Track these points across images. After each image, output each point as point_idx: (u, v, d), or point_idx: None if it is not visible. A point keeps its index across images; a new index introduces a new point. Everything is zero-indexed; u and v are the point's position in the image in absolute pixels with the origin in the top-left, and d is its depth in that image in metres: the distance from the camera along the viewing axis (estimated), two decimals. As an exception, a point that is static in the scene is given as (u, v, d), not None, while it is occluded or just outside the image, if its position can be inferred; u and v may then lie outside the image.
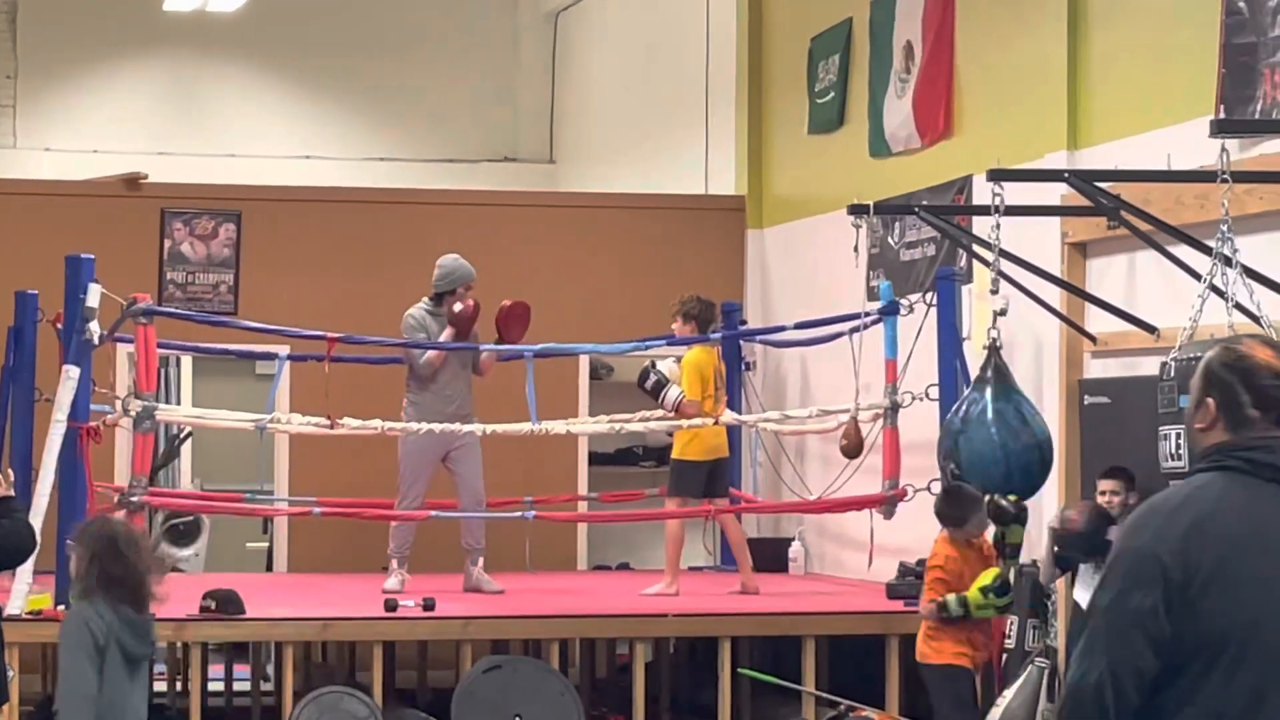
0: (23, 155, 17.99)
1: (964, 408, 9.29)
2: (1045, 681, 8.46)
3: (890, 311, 11.57)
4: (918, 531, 10.44)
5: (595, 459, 14.68)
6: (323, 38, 18.97)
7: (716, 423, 11.68)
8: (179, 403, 16.26)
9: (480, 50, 19.28)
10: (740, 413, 13.06)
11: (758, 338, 13.74)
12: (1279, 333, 7.81)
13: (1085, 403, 10.11)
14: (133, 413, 10.69)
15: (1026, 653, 8.74)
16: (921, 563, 9.98)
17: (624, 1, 17.76)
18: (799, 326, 12.63)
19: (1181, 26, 9.64)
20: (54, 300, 10.88)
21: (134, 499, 10.64)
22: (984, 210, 9.06)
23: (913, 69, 12.27)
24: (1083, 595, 8.89)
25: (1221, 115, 8.94)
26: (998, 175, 8.72)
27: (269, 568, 14.71)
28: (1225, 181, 7.47)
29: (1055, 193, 9.95)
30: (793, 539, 13.55)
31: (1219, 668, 3.81)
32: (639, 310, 13.76)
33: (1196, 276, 8.17)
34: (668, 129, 16.28)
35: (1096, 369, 10.18)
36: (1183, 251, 8.70)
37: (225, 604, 10.28)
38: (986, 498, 9.01)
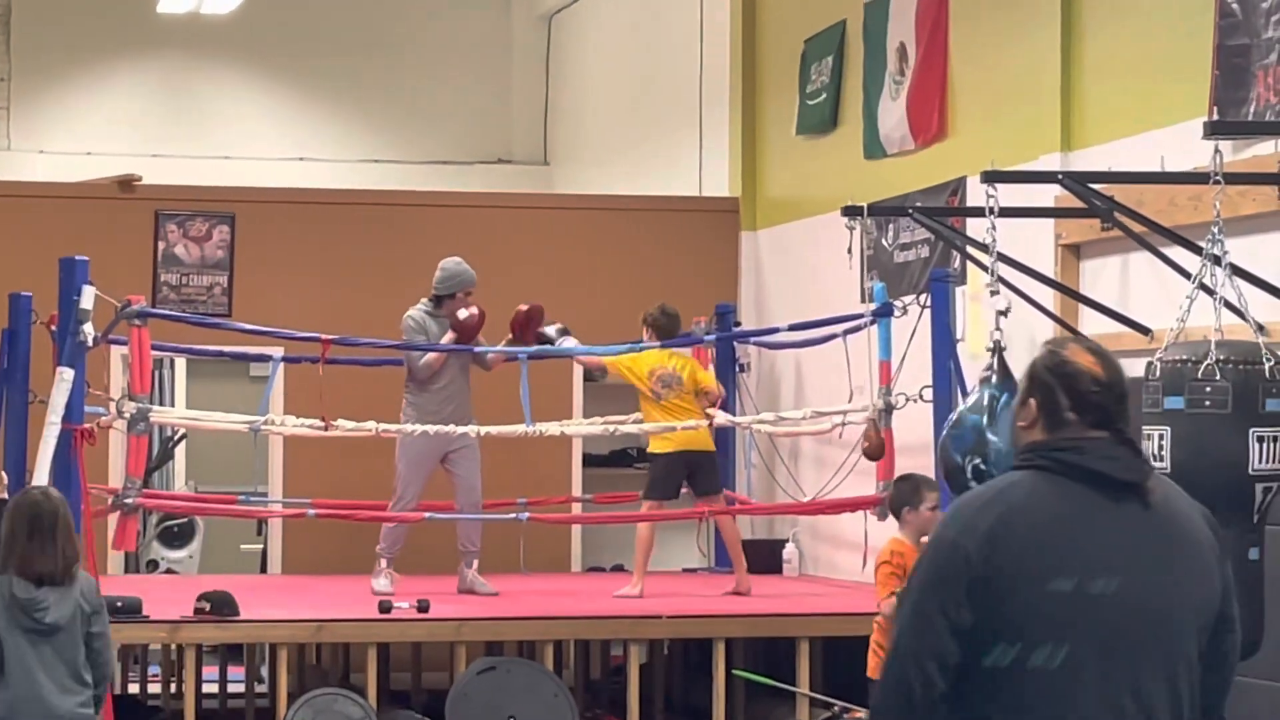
0: (17, 157, 18.00)
1: (982, 401, 9.21)
2: None
3: (884, 313, 11.57)
4: (912, 533, 10.43)
5: (589, 461, 14.68)
6: (317, 40, 18.98)
7: (711, 422, 11.70)
8: (173, 405, 16.28)
9: (474, 52, 19.29)
10: (734, 414, 13.06)
11: (752, 339, 13.74)
12: (1271, 334, 7.82)
13: (1079, 404, 10.09)
14: (127, 415, 10.69)
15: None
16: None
17: (618, 3, 17.76)
18: (793, 328, 12.64)
19: (1175, 28, 9.65)
20: (48, 302, 10.88)
21: (128, 501, 10.64)
22: (978, 212, 9.06)
23: (907, 71, 12.28)
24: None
25: (1215, 117, 8.96)
26: (992, 177, 8.73)
27: (263, 569, 14.71)
28: (1218, 183, 7.47)
29: (1049, 194, 9.96)
30: (787, 540, 13.57)
31: (1020, 653, 3.98)
32: (633, 312, 13.72)
33: (1190, 278, 8.18)
34: (662, 131, 16.29)
35: (1090, 371, 10.17)
36: (1176, 253, 8.71)
37: (220, 606, 10.27)
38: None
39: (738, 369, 13.84)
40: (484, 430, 11.43)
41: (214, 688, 13.18)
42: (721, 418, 12.02)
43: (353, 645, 11.60)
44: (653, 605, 11.22)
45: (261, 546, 15.06)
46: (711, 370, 12.53)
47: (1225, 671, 4.29)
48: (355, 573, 12.35)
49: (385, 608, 10.54)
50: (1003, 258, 9.31)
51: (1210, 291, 7.40)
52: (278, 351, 12.19)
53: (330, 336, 11.36)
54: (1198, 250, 7.60)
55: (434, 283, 11.69)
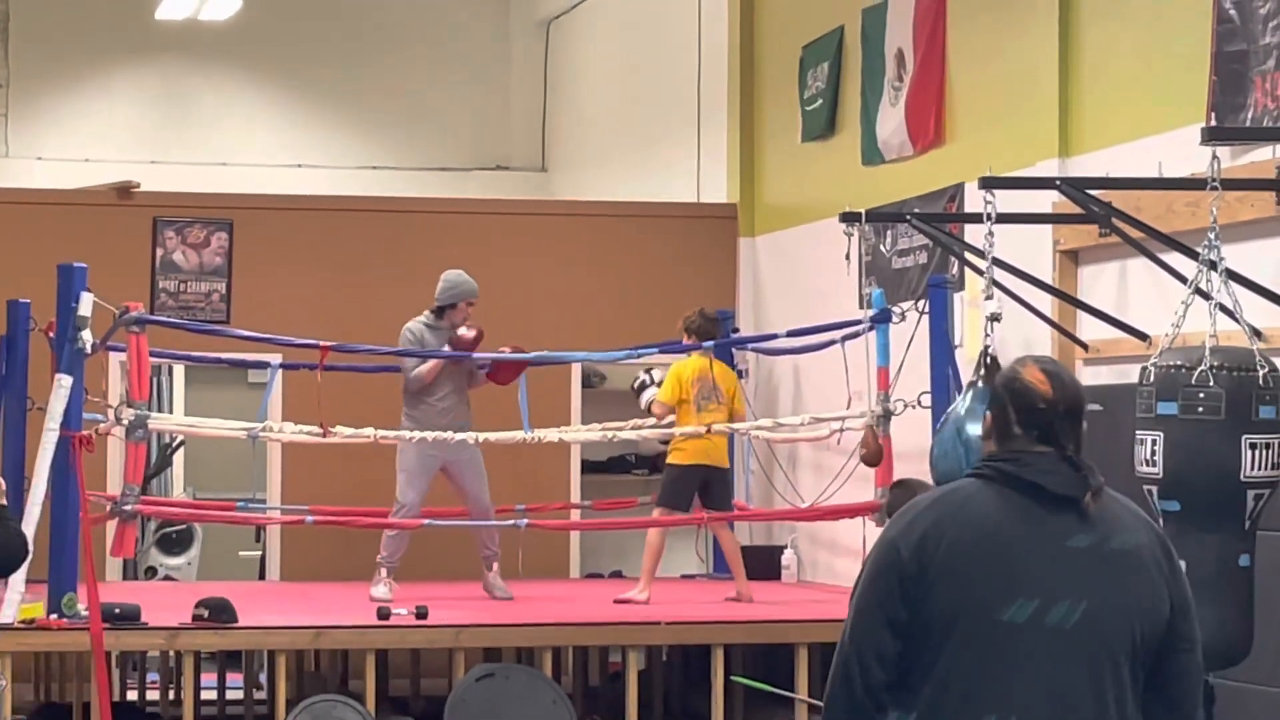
0: (15, 164, 18.01)
1: (965, 407, 9.21)
2: None
3: (882, 319, 11.57)
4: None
5: (587, 467, 14.68)
6: (314, 46, 18.99)
7: (709, 431, 11.69)
8: (171, 411, 16.28)
9: (472, 58, 19.30)
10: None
11: (750, 345, 13.73)
12: (1267, 340, 7.83)
13: (1077, 410, 10.09)
14: (125, 421, 10.69)
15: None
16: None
17: (616, 9, 17.77)
18: (791, 334, 12.63)
19: (1173, 34, 9.65)
20: (46, 309, 10.87)
21: (127, 508, 10.64)
22: (976, 218, 9.06)
23: (905, 77, 12.28)
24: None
25: (1212, 123, 8.96)
26: (990, 183, 8.73)
27: (262, 576, 14.70)
28: (1216, 189, 7.47)
29: (1047, 200, 9.96)
30: (785, 547, 13.56)
31: (951, 645, 4.25)
32: (631, 318, 13.77)
33: (1187, 283, 8.18)
34: (659, 137, 16.29)
35: (1088, 376, 10.17)
36: (1174, 259, 8.71)
37: (218, 612, 10.26)
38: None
39: (736, 375, 13.82)
40: (483, 437, 11.43)
41: (212, 695, 13.16)
42: (719, 425, 12.01)
43: (351, 652, 11.60)
44: (651, 611, 11.22)
45: (260, 553, 15.05)
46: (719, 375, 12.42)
47: (1176, 692, 4.38)
48: (354, 579, 12.36)
49: (384, 614, 10.54)
50: (1001, 263, 9.32)
51: (1206, 296, 7.40)
52: (276, 358, 12.18)
53: (329, 343, 11.36)
54: (1195, 256, 7.60)
55: (436, 294, 11.71)
